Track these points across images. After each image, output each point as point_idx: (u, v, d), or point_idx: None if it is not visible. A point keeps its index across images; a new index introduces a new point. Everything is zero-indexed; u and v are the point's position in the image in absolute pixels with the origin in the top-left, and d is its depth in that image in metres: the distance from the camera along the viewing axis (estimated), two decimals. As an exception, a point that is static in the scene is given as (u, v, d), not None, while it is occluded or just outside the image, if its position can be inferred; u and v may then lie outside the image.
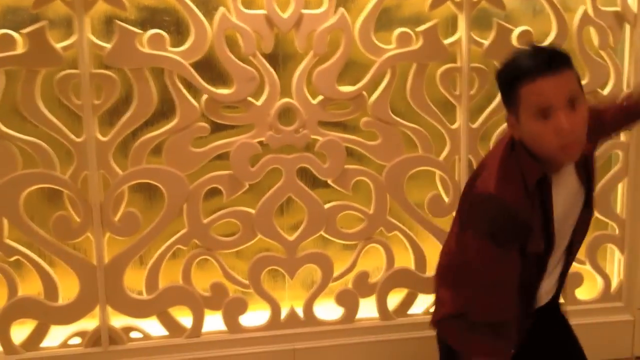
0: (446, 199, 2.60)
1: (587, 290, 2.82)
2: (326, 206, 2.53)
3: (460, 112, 2.56)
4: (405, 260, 2.65)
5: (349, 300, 2.62)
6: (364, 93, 2.48)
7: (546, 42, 2.53)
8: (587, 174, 1.63)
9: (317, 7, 2.40)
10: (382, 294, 2.62)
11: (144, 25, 2.35)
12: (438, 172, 2.60)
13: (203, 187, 2.44)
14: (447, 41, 2.49)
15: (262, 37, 2.37)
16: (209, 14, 2.35)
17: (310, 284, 2.66)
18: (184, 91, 2.37)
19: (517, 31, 2.52)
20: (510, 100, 1.49)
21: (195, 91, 2.40)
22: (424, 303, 2.68)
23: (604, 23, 2.57)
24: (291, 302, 2.62)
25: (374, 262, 2.66)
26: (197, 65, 2.37)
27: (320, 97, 2.45)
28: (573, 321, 1.90)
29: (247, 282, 2.54)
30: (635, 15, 2.59)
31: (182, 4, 2.30)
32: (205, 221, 2.46)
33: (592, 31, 2.59)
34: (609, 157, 2.76)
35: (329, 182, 2.52)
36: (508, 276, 1.53)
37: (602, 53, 2.62)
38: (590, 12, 2.56)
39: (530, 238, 1.52)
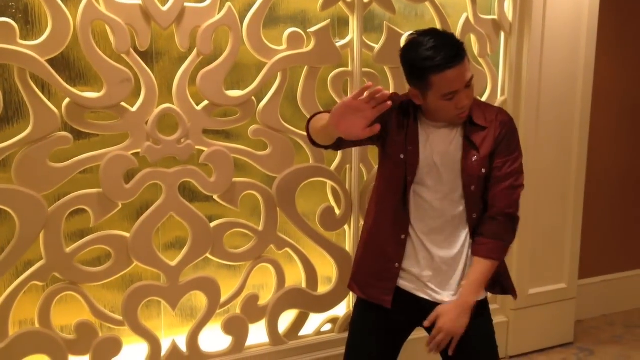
0: (337, 211, 2.45)
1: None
2: (212, 225, 2.25)
3: (351, 118, 2.42)
4: (295, 278, 2.46)
5: (237, 328, 2.36)
6: (253, 98, 2.24)
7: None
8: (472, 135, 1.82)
9: (201, 0, 2.11)
10: (273, 318, 2.40)
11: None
12: (329, 183, 2.43)
13: (65, 209, 2.04)
14: (338, 44, 2.34)
15: (137, 32, 2.02)
16: (70, 1, 1.96)
17: (189, 311, 2.36)
18: (40, 94, 1.95)
19: (406, 36, 2.43)
20: (420, 85, 1.72)
21: (49, 94, 1.99)
22: (315, 323, 2.52)
23: (483, 31, 2.58)
24: (170, 334, 2.30)
25: (258, 281, 2.44)
26: (50, 63, 1.97)
27: (205, 103, 2.16)
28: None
29: (120, 317, 2.18)
30: (511, 24, 2.64)
31: (35, -13, 1.90)
32: (68, 250, 2.06)
33: (473, 38, 2.60)
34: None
35: (215, 197, 2.24)
36: None
37: (481, 60, 2.64)
38: (472, 19, 2.56)
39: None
